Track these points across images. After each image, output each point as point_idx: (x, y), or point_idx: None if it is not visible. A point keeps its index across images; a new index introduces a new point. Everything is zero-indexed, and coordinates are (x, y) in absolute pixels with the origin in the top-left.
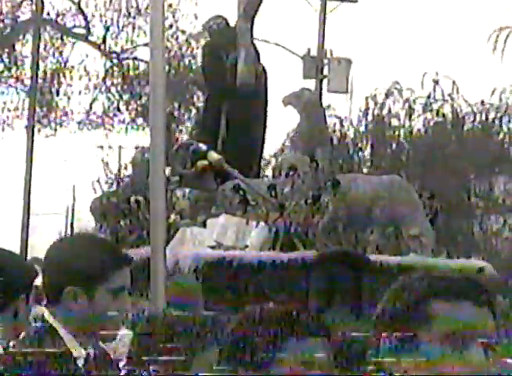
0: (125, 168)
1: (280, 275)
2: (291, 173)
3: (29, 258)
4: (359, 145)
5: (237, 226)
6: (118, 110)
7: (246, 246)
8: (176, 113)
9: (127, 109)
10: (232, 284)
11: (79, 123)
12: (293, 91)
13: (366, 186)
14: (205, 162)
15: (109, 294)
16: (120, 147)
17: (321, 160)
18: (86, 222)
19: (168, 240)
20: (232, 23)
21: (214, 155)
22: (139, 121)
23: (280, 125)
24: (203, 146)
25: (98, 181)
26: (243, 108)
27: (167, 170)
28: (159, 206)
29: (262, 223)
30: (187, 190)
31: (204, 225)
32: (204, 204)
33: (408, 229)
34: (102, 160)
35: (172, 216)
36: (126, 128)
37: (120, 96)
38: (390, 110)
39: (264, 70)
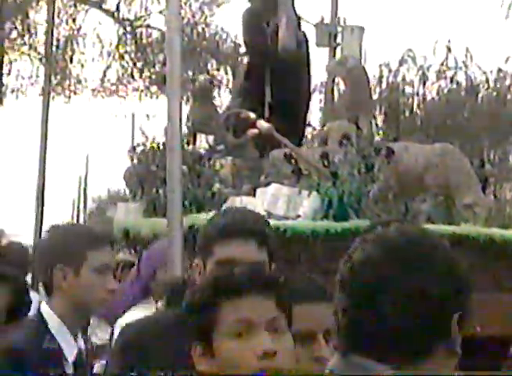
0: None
1: (334, 245)
2: (344, 142)
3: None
4: (373, 112)
5: (288, 196)
6: (132, 77)
7: (299, 216)
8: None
9: (140, 76)
10: (286, 254)
11: (93, 90)
12: (337, 58)
13: (418, 155)
14: (255, 131)
15: (93, 272)
16: (133, 115)
17: (365, 129)
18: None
19: (213, 207)
20: None
21: (263, 124)
22: (153, 88)
23: None
24: (251, 115)
25: (134, 148)
26: (287, 75)
27: (211, 139)
28: (175, 177)
29: (315, 193)
30: (229, 158)
31: (251, 194)
32: (248, 173)
33: (461, 199)
34: (136, 127)
35: (217, 185)
36: (140, 96)
37: (134, 64)
38: (404, 78)
39: (305, 35)
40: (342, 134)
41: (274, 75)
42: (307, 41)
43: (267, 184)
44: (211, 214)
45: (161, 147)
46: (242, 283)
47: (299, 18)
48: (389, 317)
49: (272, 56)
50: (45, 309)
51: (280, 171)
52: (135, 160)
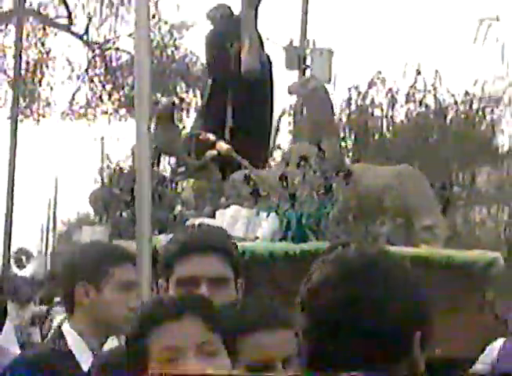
0: (126, 158)
1: (292, 266)
2: (302, 163)
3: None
4: (342, 135)
5: (247, 217)
6: (101, 100)
7: (257, 237)
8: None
9: (109, 99)
10: (244, 276)
11: (62, 113)
12: (300, 79)
13: (378, 176)
14: (214, 152)
15: (116, 289)
16: (102, 138)
17: (328, 151)
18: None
19: (175, 229)
20: (235, 12)
21: (223, 145)
22: (122, 111)
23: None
24: (211, 136)
25: (100, 172)
26: (249, 96)
27: (173, 161)
28: (144, 198)
29: (273, 214)
30: (192, 181)
31: (211, 216)
32: (210, 194)
33: (420, 220)
34: (102, 149)
35: (178, 207)
36: (109, 119)
37: (103, 87)
38: (373, 101)
39: (268, 57)
40: (300, 155)
41: (236, 97)
42: (270, 63)
43: (227, 206)
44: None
45: (126, 170)
46: (165, 311)
47: (262, 40)
48: (348, 338)
49: (234, 78)
50: (66, 327)
51: (240, 193)
52: (100, 184)
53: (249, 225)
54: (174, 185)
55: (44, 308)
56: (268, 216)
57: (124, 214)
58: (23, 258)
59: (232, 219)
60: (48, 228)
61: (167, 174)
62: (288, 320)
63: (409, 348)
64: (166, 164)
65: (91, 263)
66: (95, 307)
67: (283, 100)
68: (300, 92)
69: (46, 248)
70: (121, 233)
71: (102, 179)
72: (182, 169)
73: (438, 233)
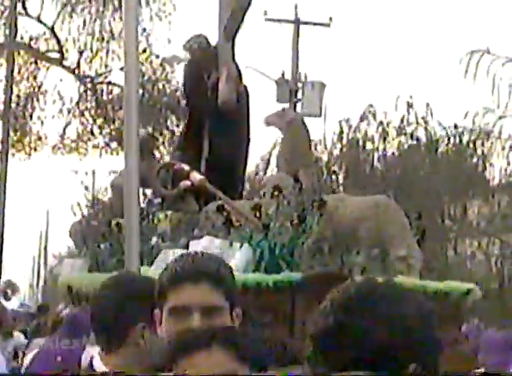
0: (105, 190)
1: (265, 297)
2: (276, 194)
3: (2, 280)
4: (333, 168)
5: (220, 248)
6: (92, 134)
7: None
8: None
9: (100, 133)
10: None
11: (53, 147)
12: (276, 110)
13: (353, 207)
14: (188, 183)
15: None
16: (94, 172)
17: (304, 181)
18: (59, 246)
19: (151, 262)
20: (213, 43)
21: (196, 175)
22: (113, 145)
23: (256, 146)
24: (185, 167)
25: (78, 204)
26: (226, 128)
27: (149, 192)
28: (133, 229)
29: (246, 245)
30: (169, 212)
31: (186, 247)
32: (186, 226)
33: (395, 251)
34: (82, 183)
35: (154, 238)
36: (100, 153)
37: (94, 121)
38: (365, 134)
39: (246, 89)
40: (273, 186)
41: (213, 128)
42: (247, 94)
43: (201, 237)
44: (148, 268)
45: (104, 202)
46: (194, 341)
47: (240, 71)
48: (337, 364)
49: (211, 109)
50: (98, 365)
51: (215, 223)
52: (79, 217)
53: (222, 256)
54: (150, 216)
55: (24, 341)
56: (241, 247)
57: (102, 246)
58: (9, 290)
59: (205, 250)
60: (39, 261)
61: (144, 206)
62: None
63: None
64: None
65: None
66: (148, 347)
67: (274, 134)
68: (276, 123)
69: (38, 281)
70: (99, 266)
71: (81, 212)
72: (158, 200)
73: (413, 264)
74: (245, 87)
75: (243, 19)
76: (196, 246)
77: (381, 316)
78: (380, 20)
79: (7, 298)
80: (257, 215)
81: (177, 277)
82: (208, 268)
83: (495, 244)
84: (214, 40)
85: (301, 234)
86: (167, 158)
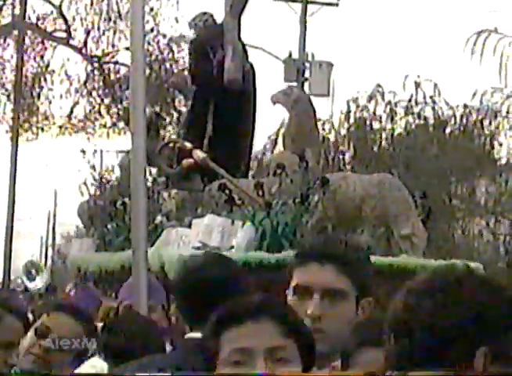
0: (112, 170)
1: (267, 276)
2: (279, 172)
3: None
4: (341, 148)
5: (222, 227)
6: (99, 114)
7: (232, 246)
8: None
9: (108, 113)
10: None
11: (60, 127)
12: (282, 88)
13: (356, 185)
14: (190, 161)
15: None
16: (102, 151)
17: (310, 160)
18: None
19: (153, 242)
20: (218, 21)
21: (199, 153)
22: (121, 124)
23: (264, 126)
24: (188, 144)
25: (85, 184)
26: (231, 106)
27: (154, 171)
28: (140, 209)
29: (248, 223)
30: (174, 191)
31: (190, 226)
32: (191, 205)
33: (399, 229)
34: (88, 162)
35: (159, 217)
36: (108, 133)
37: (102, 100)
38: (373, 113)
39: (252, 67)
40: (276, 164)
41: (218, 106)
42: (254, 72)
43: (204, 215)
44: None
45: (111, 182)
46: (239, 312)
47: (246, 49)
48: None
49: (217, 87)
50: None
51: (218, 202)
52: (87, 197)
53: (224, 235)
54: (155, 195)
55: None
56: (243, 225)
57: (108, 226)
58: (33, 270)
59: (207, 228)
60: (47, 241)
61: (149, 184)
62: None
63: (470, 360)
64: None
65: None
66: None
67: (281, 113)
68: (283, 102)
69: (46, 261)
70: (106, 245)
71: (88, 192)
72: (163, 179)
73: (417, 242)
74: (251, 65)
75: None
76: (199, 224)
77: (453, 298)
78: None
79: (31, 279)
80: (260, 193)
81: (304, 256)
82: (337, 250)
83: (502, 223)
84: (220, 18)
85: (303, 213)
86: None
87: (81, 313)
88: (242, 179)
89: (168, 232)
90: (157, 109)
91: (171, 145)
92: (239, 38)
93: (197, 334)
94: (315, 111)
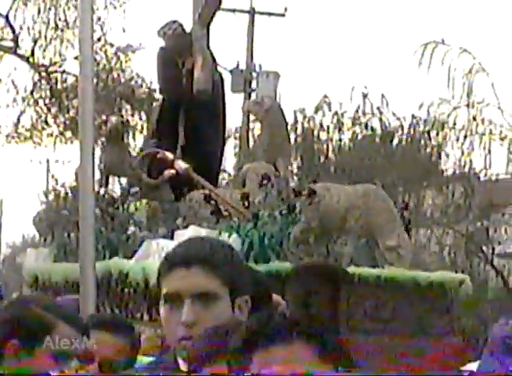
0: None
1: None
2: (264, 182)
3: None
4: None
5: None
6: (46, 123)
7: None
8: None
9: (55, 122)
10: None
11: (7, 136)
12: (255, 98)
13: (341, 196)
14: (172, 171)
15: None
16: (48, 161)
17: (283, 171)
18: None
19: (128, 251)
20: (187, 29)
21: (181, 164)
22: (68, 134)
23: None
24: (170, 155)
25: (44, 193)
26: (201, 115)
27: (124, 181)
28: (88, 222)
29: (235, 235)
30: (144, 201)
31: (167, 237)
32: (164, 215)
33: (384, 241)
34: (48, 170)
35: (131, 228)
36: (54, 142)
37: (49, 109)
38: (321, 124)
39: (221, 76)
40: (262, 174)
41: (188, 116)
42: (223, 82)
43: (185, 226)
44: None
45: (71, 192)
46: (270, 333)
47: (215, 58)
48: None
49: (186, 96)
50: None
51: (198, 213)
52: (45, 205)
53: None
54: (126, 205)
55: None
56: (229, 237)
57: (71, 235)
58: None
59: None
60: None
61: (116, 195)
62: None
63: None
64: (117, 185)
65: None
66: None
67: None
68: (255, 111)
69: None
70: (67, 255)
71: (47, 201)
72: (135, 189)
73: (403, 254)
74: (220, 74)
75: (219, 4)
76: (182, 236)
77: None
78: (334, 11)
79: None
80: (246, 204)
81: (169, 262)
82: (202, 251)
83: (448, 234)
84: (187, 27)
85: (289, 224)
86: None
87: (125, 328)
88: (226, 190)
89: (148, 243)
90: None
91: (157, 156)
92: (209, 47)
93: None
94: (286, 121)
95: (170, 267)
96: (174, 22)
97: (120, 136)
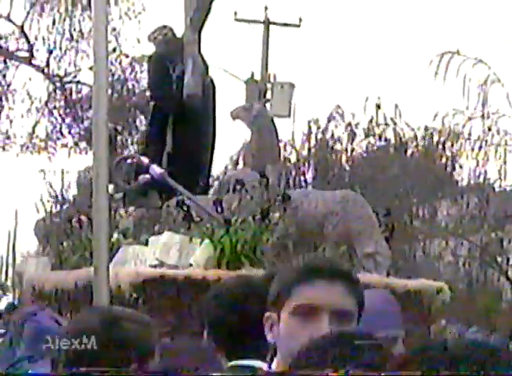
0: (69, 186)
1: None
2: (238, 188)
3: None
4: (302, 169)
5: (180, 244)
6: (61, 133)
7: (191, 264)
8: (119, 137)
9: (69, 132)
10: (176, 303)
11: (22, 146)
12: (243, 104)
13: (318, 202)
14: (147, 176)
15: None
16: (62, 171)
17: (271, 177)
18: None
19: (111, 259)
20: (179, 34)
21: (156, 169)
22: (82, 144)
23: (226, 146)
24: (144, 160)
25: (41, 201)
26: (190, 121)
27: (111, 187)
28: (102, 229)
29: (207, 241)
30: (131, 208)
31: (147, 243)
32: (149, 222)
33: (362, 248)
34: (44, 179)
35: (115, 235)
36: (69, 152)
37: (63, 120)
38: (332, 135)
39: (212, 82)
40: (235, 180)
41: (176, 123)
42: (214, 87)
43: (162, 233)
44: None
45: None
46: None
47: (206, 64)
48: None
49: (175, 103)
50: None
51: (176, 219)
52: (43, 214)
53: (182, 252)
54: (113, 212)
55: None
56: (201, 243)
57: (64, 244)
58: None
59: (165, 246)
60: (7, 261)
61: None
62: None
63: None
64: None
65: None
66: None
67: (243, 134)
68: (242, 117)
69: (6, 280)
70: (62, 263)
71: (45, 209)
72: (119, 196)
73: (381, 261)
74: (211, 80)
75: (209, 9)
76: (156, 242)
77: None
78: (349, 21)
79: None
80: (219, 209)
81: (308, 273)
82: (343, 266)
83: (463, 244)
84: (180, 32)
85: (264, 230)
86: None
87: None
88: (201, 196)
89: (124, 250)
90: (119, 128)
91: (129, 161)
92: (200, 52)
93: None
94: (275, 127)
95: (310, 278)
96: (165, 27)
97: (113, 144)
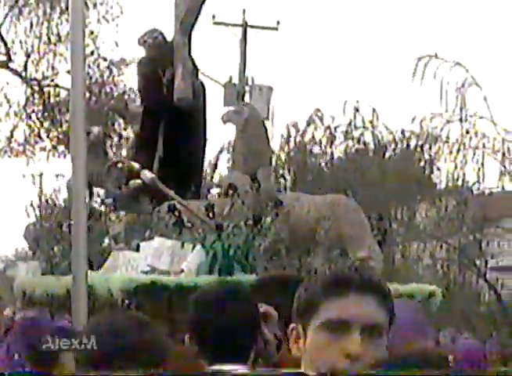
0: (55, 192)
1: None
2: (230, 192)
3: None
4: (281, 172)
5: (172, 250)
6: (39, 137)
7: (182, 270)
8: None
9: (48, 136)
10: (168, 310)
11: (0, 150)
12: (234, 107)
13: (310, 206)
14: (138, 181)
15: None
16: (41, 175)
17: (263, 181)
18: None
19: (103, 263)
20: (169, 38)
21: (147, 174)
22: (61, 148)
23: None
24: (135, 165)
25: (31, 205)
26: (181, 125)
27: (102, 192)
28: (80, 233)
29: (198, 246)
30: (122, 213)
31: (138, 249)
32: (140, 227)
33: (355, 252)
34: (34, 184)
35: (106, 240)
36: (47, 156)
37: (41, 124)
38: (313, 137)
39: (202, 85)
40: (227, 184)
41: (168, 126)
42: (204, 90)
43: (153, 238)
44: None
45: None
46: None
47: (197, 67)
48: None
49: (166, 106)
50: None
51: (168, 224)
52: (33, 219)
53: (174, 258)
54: (104, 217)
55: None
56: (193, 248)
57: (55, 248)
58: None
59: (156, 252)
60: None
61: (97, 206)
62: None
63: None
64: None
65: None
66: None
67: (221, 137)
68: (234, 121)
69: None
70: (53, 268)
71: (35, 214)
72: (110, 201)
73: (373, 265)
74: (201, 83)
75: (199, 12)
76: (147, 247)
77: None
78: (327, 24)
79: None
80: (211, 214)
81: (338, 285)
82: (374, 279)
83: (441, 247)
84: (170, 36)
85: (256, 235)
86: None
87: None
88: (192, 201)
89: (115, 255)
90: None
91: (119, 166)
92: (190, 55)
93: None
94: (267, 131)
95: (340, 291)
96: (155, 30)
97: (101, 147)
